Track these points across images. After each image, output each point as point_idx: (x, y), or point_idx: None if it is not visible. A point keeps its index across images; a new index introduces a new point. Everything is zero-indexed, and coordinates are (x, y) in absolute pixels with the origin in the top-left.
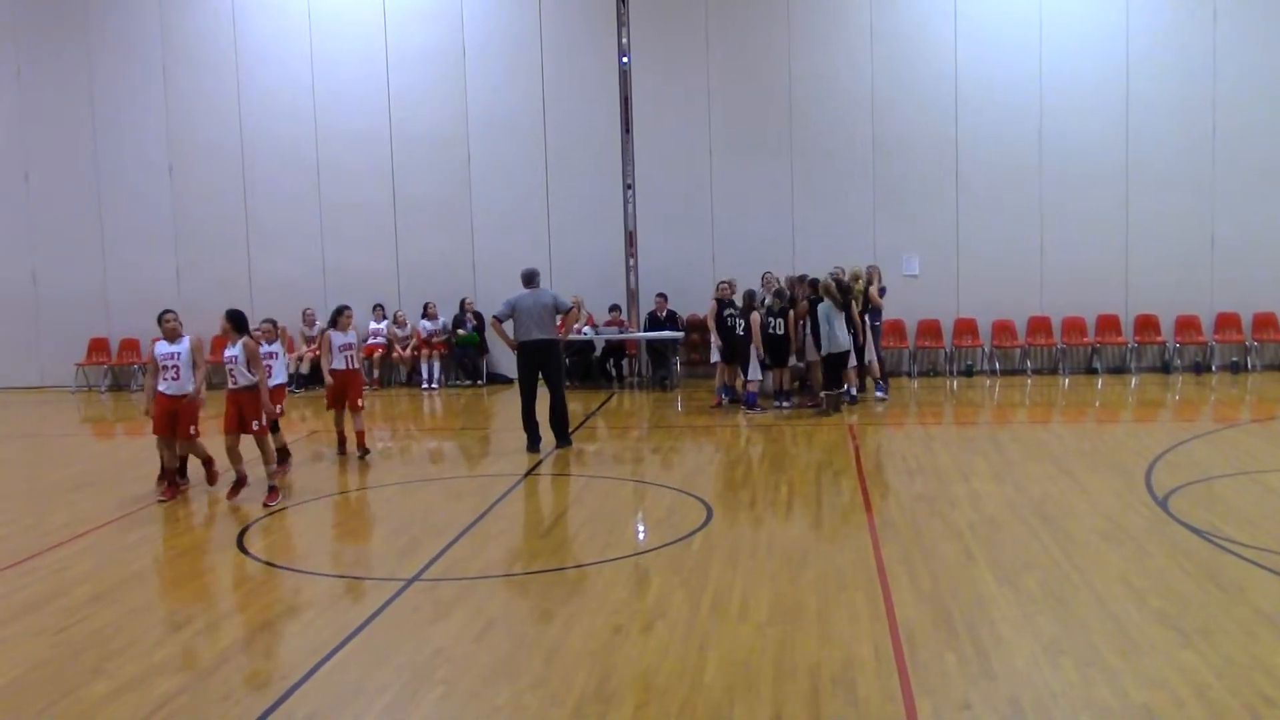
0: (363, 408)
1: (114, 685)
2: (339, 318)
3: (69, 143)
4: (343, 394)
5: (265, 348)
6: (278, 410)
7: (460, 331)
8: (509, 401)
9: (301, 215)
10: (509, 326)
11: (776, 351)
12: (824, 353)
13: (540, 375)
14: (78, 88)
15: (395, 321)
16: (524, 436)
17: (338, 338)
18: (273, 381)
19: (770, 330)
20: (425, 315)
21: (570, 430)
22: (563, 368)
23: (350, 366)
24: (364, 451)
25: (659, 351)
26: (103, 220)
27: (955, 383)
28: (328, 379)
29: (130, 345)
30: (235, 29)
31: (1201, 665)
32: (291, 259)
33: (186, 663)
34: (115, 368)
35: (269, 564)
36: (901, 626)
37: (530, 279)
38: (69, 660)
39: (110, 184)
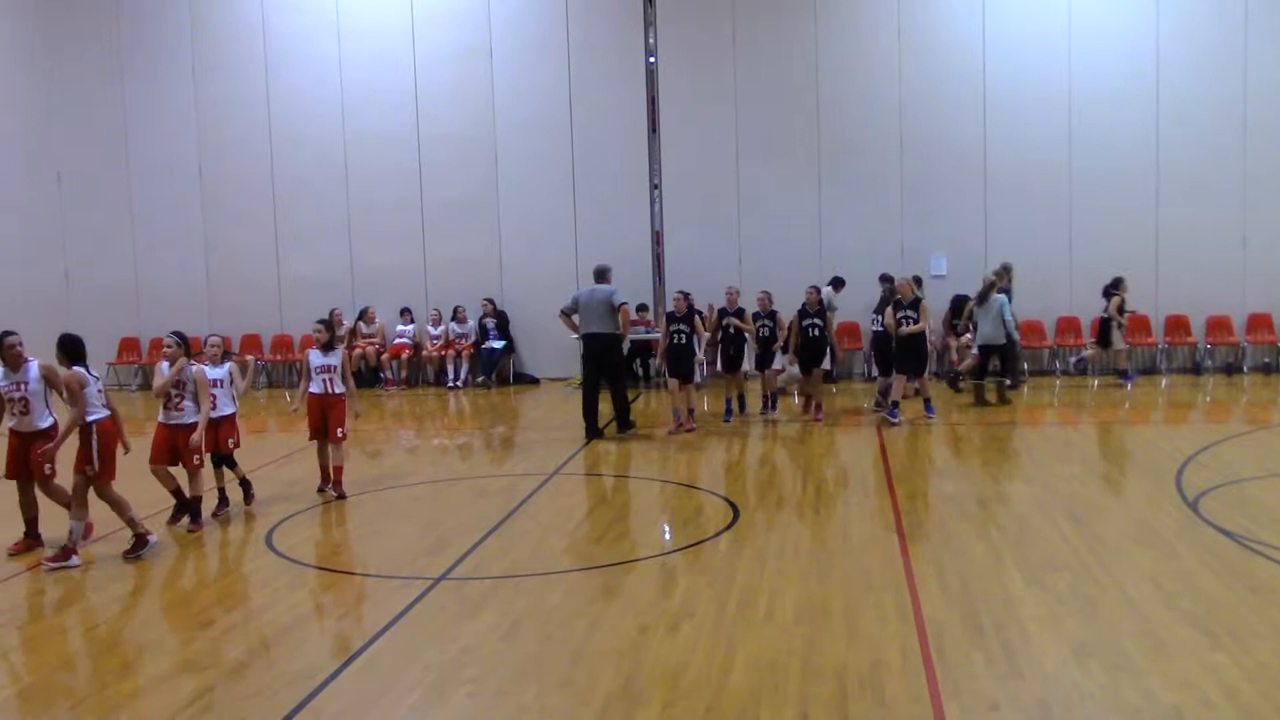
0: (343, 438)
1: (143, 682)
2: (332, 336)
3: (100, 143)
4: (322, 423)
5: (213, 373)
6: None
7: (490, 344)
8: (535, 401)
9: (329, 215)
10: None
11: (811, 354)
12: (979, 343)
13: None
14: (109, 88)
15: (431, 321)
16: (559, 433)
17: (315, 357)
18: (219, 412)
19: (810, 334)
20: (455, 318)
21: (629, 418)
22: (619, 361)
23: (329, 391)
24: (339, 493)
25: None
26: (134, 220)
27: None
28: (299, 406)
29: (160, 344)
30: (264, 30)
31: (1232, 667)
32: (320, 258)
33: (215, 660)
34: (146, 366)
35: (297, 562)
36: (929, 627)
37: (598, 275)
38: (99, 657)
39: (141, 184)
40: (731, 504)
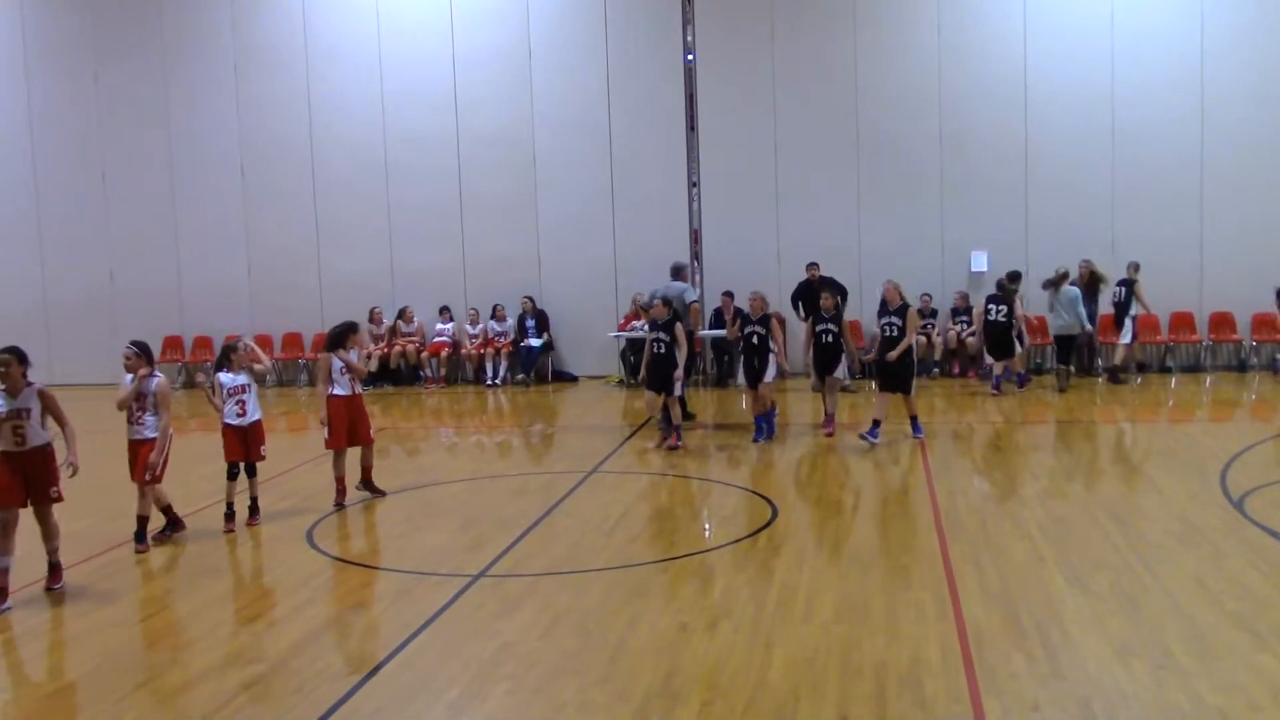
0: (373, 440)
1: (189, 676)
2: (349, 337)
3: (144, 144)
4: (350, 427)
5: (233, 380)
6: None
7: (528, 342)
8: (573, 399)
9: (370, 214)
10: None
11: (825, 362)
12: (1054, 333)
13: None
14: (152, 90)
15: (469, 320)
16: (597, 430)
17: (339, 360)
18: (249, 419)
19: (823, 340)
20: (494, 317)
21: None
22: (691, 356)
23: (355, 391)
24: (374, 490)
25: (723, 349)
26: (177, 220)
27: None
28: (324, 414)
29: (203, 343)
30: (305, 31)
31: (1278, 668)
32: (360, 258)
33: (258, 655)
34: (189, 365)
35: (338, 559)
36: (969, 626)
37: (674, 272)
38: (145, 651)
39: (184, 184)
40: (770, 502)
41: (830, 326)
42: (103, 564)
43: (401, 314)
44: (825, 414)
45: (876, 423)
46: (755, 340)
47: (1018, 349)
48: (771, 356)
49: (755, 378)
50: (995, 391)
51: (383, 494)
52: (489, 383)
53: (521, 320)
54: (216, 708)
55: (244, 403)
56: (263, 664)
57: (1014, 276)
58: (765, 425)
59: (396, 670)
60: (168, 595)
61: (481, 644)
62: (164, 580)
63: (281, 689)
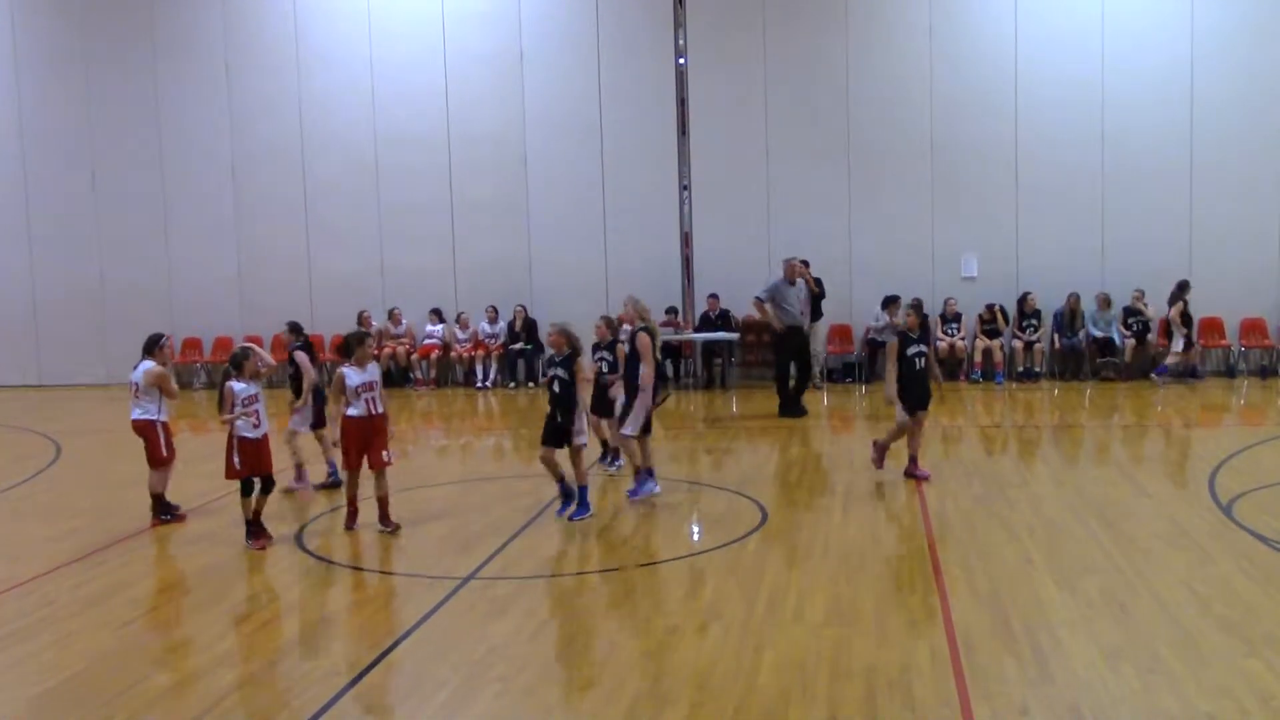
0: (389, 463)
1: (177, 677)
2: (357, 349)
3: (135, 144)
4: (363, 450)
5: (245, 389)
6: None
7: (517, 347)
8: None
9: (360, 216)
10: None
11: (920, 390)
12: None
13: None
14: (143, 90)
15: (458, 323)
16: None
17: (354, 376)
18: (257, 432)
19: (917, 366)
20: (486, 319)
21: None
22: (778, 346)
23: (372, 411)
24: (389, 525)
25: (714, 353)
26: (167, 220)
27: (1014, 385)
28: (335, 434)
29: (193, 344)
30: (296, 32)
31: (1267, 673)
32: (351, 259)
33: (247, 656)
34: (178, 366)
35: (328, 561)
36: (959, 630)
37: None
38: (134, 652)
39: (175, 185)
40: (760, 505)
41: (923, 348)
42: (92, 564)
43: (390, 315)
44: (909, 456)
45: (616, 452)
46: (558, 388)
47: (1174, 345)
48: (578, 410)
49: (559, 437)
50: (1157, 376)
51: (396, 529)
52: (479, 385)
53: (511, 326)
54: (205, 709)
55: (258, 412)
56: (252, 665)
57: (1182, 286)
58: (578, 496)
59: (385, 672)
60: (156, 595)
61: (471, 646)
62: (153, 580)
63: (270, 690)
